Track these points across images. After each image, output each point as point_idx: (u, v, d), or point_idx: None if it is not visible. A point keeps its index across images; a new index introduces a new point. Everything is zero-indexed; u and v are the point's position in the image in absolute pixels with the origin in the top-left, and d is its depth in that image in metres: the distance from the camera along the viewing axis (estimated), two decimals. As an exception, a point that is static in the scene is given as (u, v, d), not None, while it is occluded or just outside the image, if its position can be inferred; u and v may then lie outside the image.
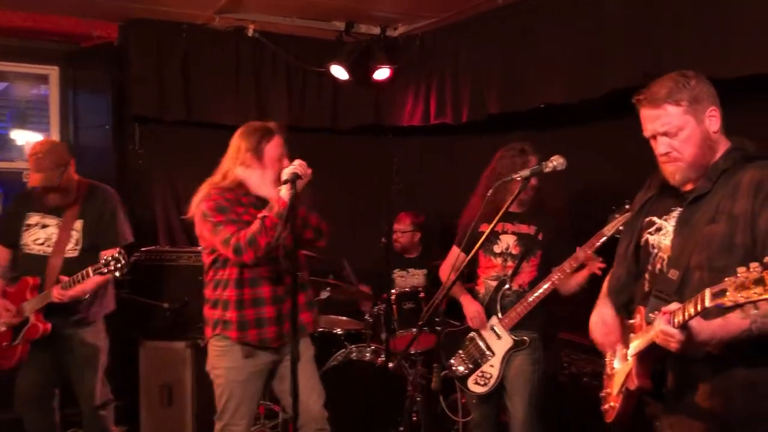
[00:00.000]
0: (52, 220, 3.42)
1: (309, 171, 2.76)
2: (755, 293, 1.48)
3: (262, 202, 2.85)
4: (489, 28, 4.28)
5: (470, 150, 4.99)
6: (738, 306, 1.55)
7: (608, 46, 3.51)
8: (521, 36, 4.04)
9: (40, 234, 3.41)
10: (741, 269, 1.52)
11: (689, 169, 1.99)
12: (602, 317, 2.24)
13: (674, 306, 1.79)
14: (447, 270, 3.51)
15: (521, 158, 3.22)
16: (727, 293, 1.54)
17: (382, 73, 4.88)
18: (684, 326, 1.73)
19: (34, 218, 3.43)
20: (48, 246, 3.38)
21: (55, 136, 4.64)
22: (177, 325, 4.11)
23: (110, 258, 3.08)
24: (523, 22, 4.03)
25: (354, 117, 5.12)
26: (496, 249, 3.32)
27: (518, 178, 2.44)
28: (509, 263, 3.30)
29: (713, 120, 1.98)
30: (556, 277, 3.16)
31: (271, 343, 2.91)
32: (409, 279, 4.63)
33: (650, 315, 1.94)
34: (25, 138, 4.77)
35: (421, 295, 4.23)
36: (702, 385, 1.91)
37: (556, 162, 2.43)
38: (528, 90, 3.98)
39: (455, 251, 3.50)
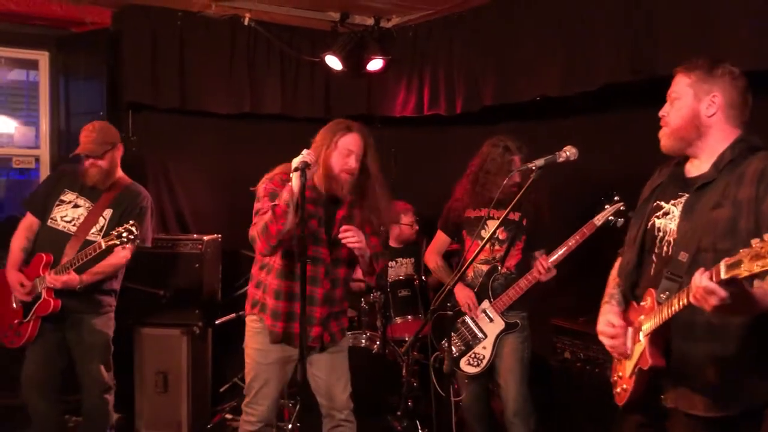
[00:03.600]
0: (84, 202, 3.46)
1: (320, 160, 2.76)
2: None
3: (319, 195, 2.87)
4: (483, 21, 4.34)
5: (459, 140, 5.04)
6: (753, 276, 1.57)
7: (599, 41, 3.60)
8: (515, 29, 4.12)
9: (70, 212, 3.44)
10: (755, 240, 1.55)
11: (671, 136, 2.12)
12: (608, 320, 2.19)
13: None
14: (432, 254, 3.73)
15: (507, 153, 3.38)
16: (743, 264, 1.57)
17: (375, 64, 4.91)
18: (729, 282, 1.64)
19: (69, 195, 3.47)
20: (74, 225, 3.41)
21: (45, 122, 4.60)
22: (173, 313, 4.14)
23: (122, 230, 3.10)
24: (517, 15, 4.11)
25: (346, 107, 5.14)
26: (484, 234, 3.38)
27: (533, 167, 2.53)
28: (497, 248, 3.45)
29: (712, 106, 2.08)
30: (548, 262, 3.26)
31: (295, 340, 2.85)
32: (399, 269, 4.66)
33: (661, 296, 2.02)
34: (11, 125, 4.72)
35: (416, 282, 4.30)
36: (701, 360, 2.00)
37: (569, 152, 2.54)
38: (523, 82, 4.05)
39: (440, 235, 3.69)
